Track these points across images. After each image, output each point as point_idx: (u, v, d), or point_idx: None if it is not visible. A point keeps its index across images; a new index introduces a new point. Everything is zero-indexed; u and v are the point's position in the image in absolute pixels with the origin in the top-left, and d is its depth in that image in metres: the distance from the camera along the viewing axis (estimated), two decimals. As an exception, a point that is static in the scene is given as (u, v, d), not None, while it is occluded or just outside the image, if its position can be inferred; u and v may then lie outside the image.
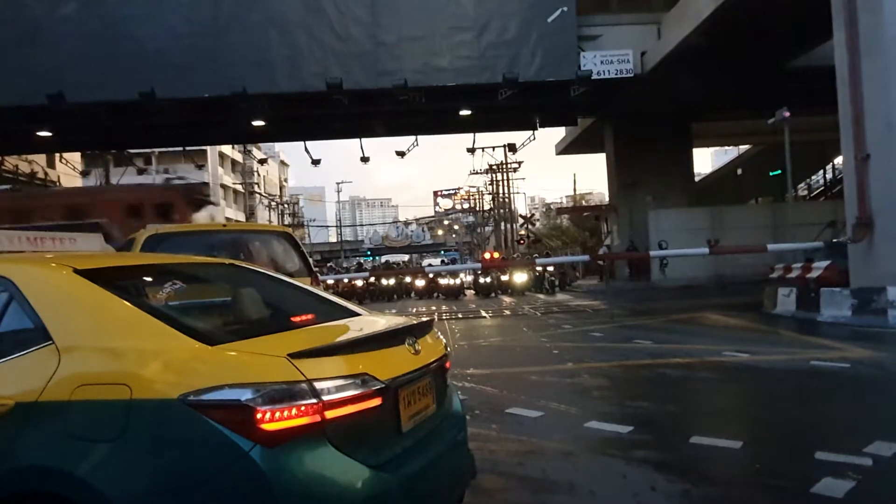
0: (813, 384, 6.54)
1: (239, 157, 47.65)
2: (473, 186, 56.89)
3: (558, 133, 31.12)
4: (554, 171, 78.89)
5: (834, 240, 12.58)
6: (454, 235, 72.45)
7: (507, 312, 16.70)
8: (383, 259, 60.90)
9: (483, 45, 16.41)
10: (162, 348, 2.05)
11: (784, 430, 4.85)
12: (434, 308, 18.11)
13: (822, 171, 35.46)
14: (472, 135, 24.30)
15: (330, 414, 1.97)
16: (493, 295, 22.87)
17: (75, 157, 29.21)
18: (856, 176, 11.14)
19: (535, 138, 25.69)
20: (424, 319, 2.82)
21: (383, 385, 2.17)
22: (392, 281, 24.72)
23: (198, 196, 16.78)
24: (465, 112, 18.82)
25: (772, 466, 4.00)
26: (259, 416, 1.87)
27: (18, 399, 2.05)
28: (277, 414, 1.88)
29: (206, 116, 18.07)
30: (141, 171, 29.93)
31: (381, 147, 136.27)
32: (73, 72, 15.71)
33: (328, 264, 42.38)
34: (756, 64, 16.56)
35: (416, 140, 23.04)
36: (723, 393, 6.52)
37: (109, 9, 16.21)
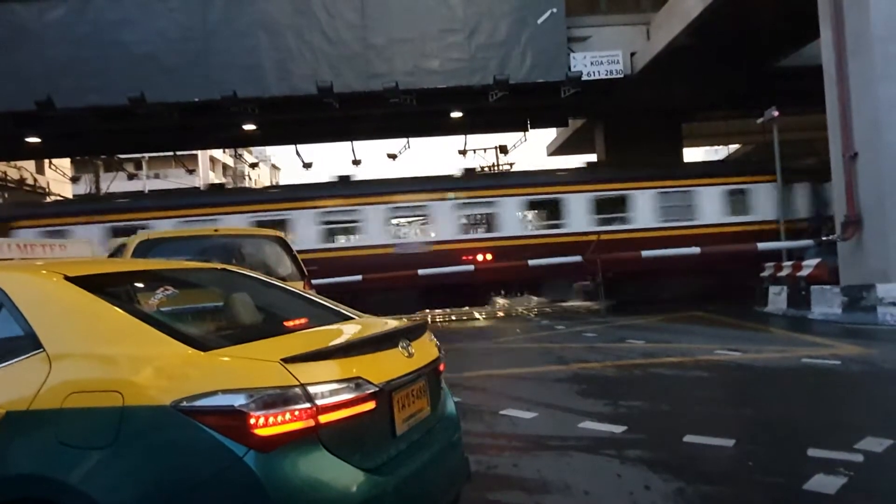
0: (804, 381, 6.59)
1: (230, 161, 47.47)
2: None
3: (549, 134, 31.21)
4: (545, 172, 78.69)
5: (823, 238, 12.67)
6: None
7: (501, 314, 16.71)
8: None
9: (473, 47, 16.42)
10: (154, 354, 2.04)
11: (776, 428, 4.88)
12: (427, 310, 18.10)
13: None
14: (463, 136, 24.30)
15: (324, 418, 1.97)
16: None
17: (65, 163, 28.99)
18: (844, 174, 11.23)
19: (526, 140, 25.75)
20: (418, 322, 2.83)
21: (377, 388, 2.17)
22: None
23: None
24: (456, 114, 18.80)
25: (764, 464, 4.03)
26: (253, 421, 1.86)
27: (9, 408, 2.04)
28: (271, 419, 1.88)
29: (197, 121, 17.98)
30: (131, 177, 29.69)
31: (372, 149, 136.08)
32: (61, 77, 15.59)
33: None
34: (745, 64, 16.66)
35: (408, 142, 23.04)
36: (715, 391, 6.55)
37: (98, 13, 16.09)
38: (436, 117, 19.52)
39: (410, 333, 2.62)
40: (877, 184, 10.72)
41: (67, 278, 2.35)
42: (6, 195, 24.72)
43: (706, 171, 17.77)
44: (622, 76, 16.59)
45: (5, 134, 17.38)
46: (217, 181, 44.88)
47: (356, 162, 22.63)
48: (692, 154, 32.84)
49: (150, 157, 38.90)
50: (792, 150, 17.16)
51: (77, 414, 1.96)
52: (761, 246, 14.22)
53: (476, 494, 3.60)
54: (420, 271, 15.00)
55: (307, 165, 22.50)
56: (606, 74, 16.51)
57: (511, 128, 22.99)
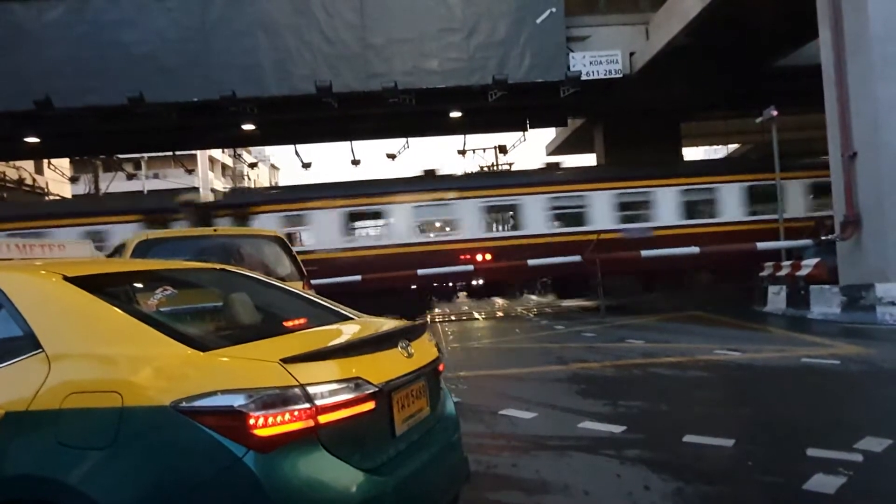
0: (804, 381, 6.59)
1: (229, 161, 47.39)
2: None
3: (549, 134, 31.19)
4: (545, 172, 78.51)
5: (823, 237, 12.67)
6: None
7: (500, 314, 16.71)
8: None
9: (472, 47, 16.43)
10: (153, 355, 2.04)
11: (776, 428, 4.89)
12: (426, 310, 18.09)
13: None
14: (462, 136, 24.30)
15: (323, 418, 1.97)
16: (485, 297, 22.93)
17: (63, 163, 28.95)
18: (843, 174, 11.23)
19: (525, 139, 25.73)
20: (417, 322, 2.82)
21: (376, 389, 2.17)
22: None
23: None
24: (455, 114, 18.79)
25: (764, 463, 4.03)
26: (252, 421, 1.86)
27: (9, 408, 2.04)
28: (270, 419, 1.88)
29: (196, 121, 17.96)
30: (130, 177, 29.64)
31: (371, 149, 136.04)
32: (60, 77, 15.57)
33: None
34: (744, 63, 16.66)
35: (407, 142, 23.04)
36: (715, 391, 6.56)
37: (97, 13, 16.08)
38: (435, 117, 19.51)
39: (410, 333, 2.62)
40: (876, 183, 10.73)
41: (66, 278, 2.35)
42: (5, 195, 24.68)
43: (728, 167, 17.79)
44: (621, 76, 16.59)
45: (4, 134, 17.34)
46: (216, 181, 44.83)
47: (355, 162, 22.63)
48: (691, 154, 32.83)
49: (149, 157, 38.84)
50: (790, 150, 17.15)
51: (76, 414, 1.95)
52: (760, 245, 14.22)
53: (475, 494, 3.61)
54: (419, 271, 15.01)
55: (306, 165, 22.51)
56: (605, 74, 16.51)
57: (510, 127, 22.98)
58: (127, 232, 13.40)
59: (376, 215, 16.48)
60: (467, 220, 16.14)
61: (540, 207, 16.13)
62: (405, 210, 16.02)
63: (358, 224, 16.77)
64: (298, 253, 15.54)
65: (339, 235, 15.82)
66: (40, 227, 15.24)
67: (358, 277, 14.53)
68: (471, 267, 15.32)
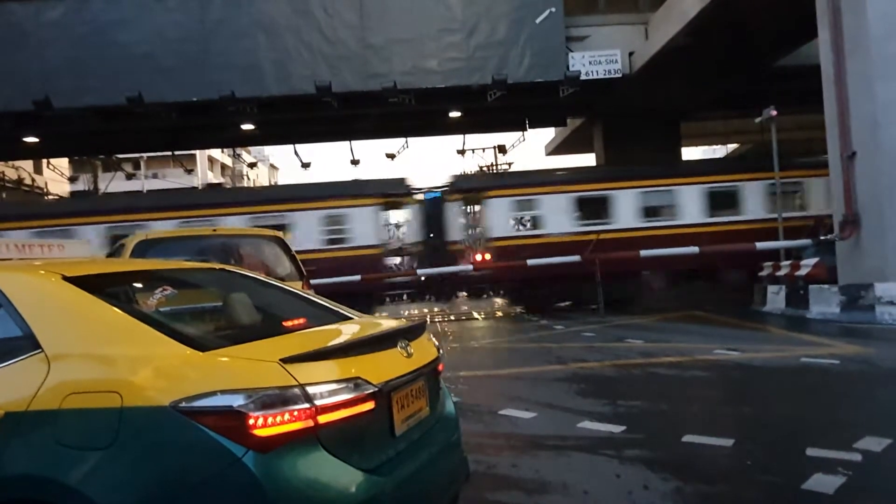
0: (803, 381, 6.60)
1: (228, 160, 47.41)
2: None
3: (548, 134, 31.20)
4: (544, 172, 78.62)
5: (822, 237, 12.68)
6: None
7: (500, 314, 16.70)
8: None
9: (472, 47, 16.44)
10: (153, 355, 2.04)
11: (775, 427, 4.89)
12: (426, 310, 18.08)
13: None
14: (461, 136, 24.29)
15: (323, 418, 1.97)
16: (485, 297, 22.94)
17: (62, 163, 28.93)
18: (842, 174, 11.23)
19: (524, 139, 25.71)
20: (416, 322, 2.83)
21: (376, 389, 2.17)
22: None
23: None
24: (454, 113, 18.81)
25: (763, 463, 4.03)
26: (251, 421, 1.86)
27: (8, 408, 2.03)
28: (270, 419, 1.88)
29: (195, 121, 17.97)
30: (129, 177, 29.62)
31: (371, 149, 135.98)
32: (59, 77, 15.58)
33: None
34: (743, 63, 16.66)
35: (406, 142, 23.03)
36: (714, 391, 6.56)
37: (96, 13, 16.09)
38: (434, 117, 19.52)
39: (409, 333, 2.62)
40: (875, 183, 10.74)
41: (66, 278, 2.35)
42: (4, 195, 24.67)
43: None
44: (620, 76, 16.60)
45: (3, 134, 17.34)
46: (215, 181, 44.84)
47: (355, 162, 22.63)
48: (690, 153, 32.84)
49: (148, 157, 38.85)
50: (789, 149, 17.18)
51: (76, 415, 1.95)
52: (760, 245, 14.21)
53: (475, 494, 3.61)
54: (419, 271, 15.01)
55: (305, 165, 22.51)
56: (605, 74, 16.53)
57: (509, 127, 22.99)
58: (364, 214, 15.70)
59: (603, 200, 16.62)
60: (690, 205, 16.27)
61: (761, 193, 16.24)
62: (631, 195, 16.23)
63: (586, 209, 16.92)
64: (527, 236, 15.18)
65: (569, 219, 16.17)
66: (278, 212, 15.79)
67: (357, 277, 14.51)
68: (470, 267, 15.30)
